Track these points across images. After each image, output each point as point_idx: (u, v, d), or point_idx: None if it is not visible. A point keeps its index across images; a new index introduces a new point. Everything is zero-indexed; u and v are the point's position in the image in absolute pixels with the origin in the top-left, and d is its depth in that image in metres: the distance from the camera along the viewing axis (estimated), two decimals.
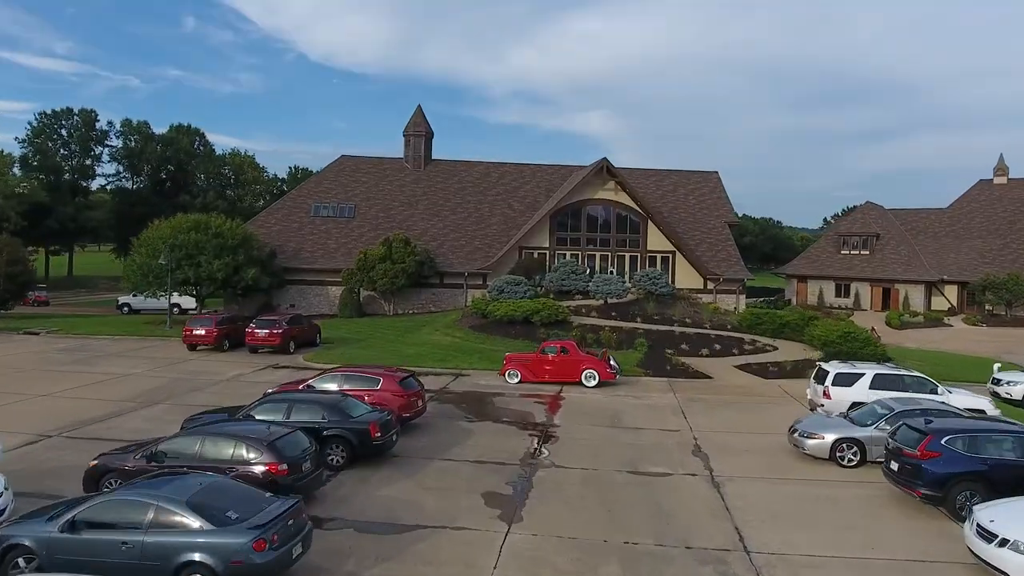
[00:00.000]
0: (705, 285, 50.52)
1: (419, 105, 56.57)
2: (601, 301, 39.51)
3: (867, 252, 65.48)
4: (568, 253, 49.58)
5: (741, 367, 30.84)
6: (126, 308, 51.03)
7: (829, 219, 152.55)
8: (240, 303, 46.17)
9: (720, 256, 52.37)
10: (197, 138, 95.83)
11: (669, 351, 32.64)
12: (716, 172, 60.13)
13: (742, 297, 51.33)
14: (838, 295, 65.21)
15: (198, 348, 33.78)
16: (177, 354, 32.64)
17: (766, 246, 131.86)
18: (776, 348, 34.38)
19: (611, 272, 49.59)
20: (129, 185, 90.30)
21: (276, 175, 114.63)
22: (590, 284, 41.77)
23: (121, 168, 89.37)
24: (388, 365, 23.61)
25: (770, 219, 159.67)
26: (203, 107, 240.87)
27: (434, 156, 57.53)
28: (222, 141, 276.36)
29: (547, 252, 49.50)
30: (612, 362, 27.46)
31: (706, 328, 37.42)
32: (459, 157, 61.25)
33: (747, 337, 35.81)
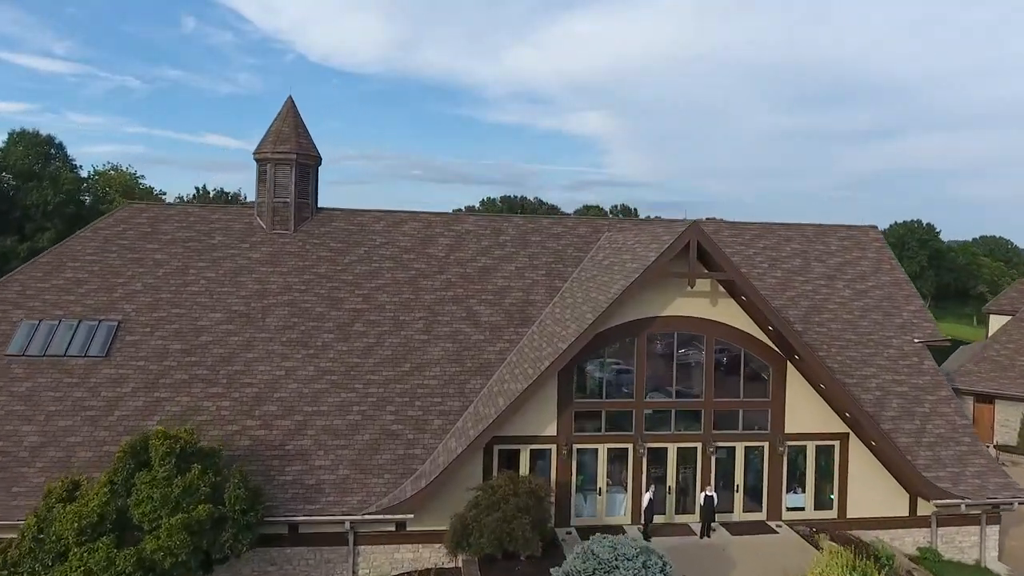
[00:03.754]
0: (913, 509, 22.02)
1: (290, 98, 27.56)
2: None
3: None
4: (603, 448, 21.00)
5: None
6: None
7: None
8: None
9: (936, 429, 23.70)
10: (52, 150, 66.77)
11: None
12: (874, 227, 31.45)
13: (993, 533, 22.64)
14: None
15: None
16: None
17: None
18: None
19: (708, 495, 20.85)
20: None
21: (183, 197, 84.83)
22: None
23: None
24: None
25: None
26: (202, 107, 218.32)
27: (326, 203, 28.70)
28: (220, 141, 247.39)
29: (552, 447, 20.84)
30: None
31: None
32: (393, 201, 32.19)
33: None
